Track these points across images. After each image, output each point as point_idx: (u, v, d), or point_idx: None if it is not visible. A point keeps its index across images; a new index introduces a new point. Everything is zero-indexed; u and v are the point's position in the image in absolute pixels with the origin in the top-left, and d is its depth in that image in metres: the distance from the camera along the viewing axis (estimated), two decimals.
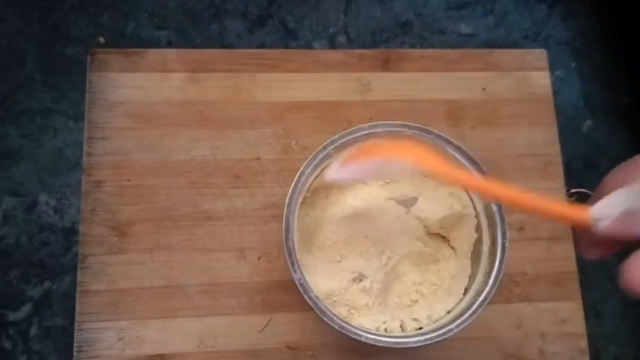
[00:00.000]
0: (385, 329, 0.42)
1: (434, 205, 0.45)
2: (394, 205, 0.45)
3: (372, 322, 0.42)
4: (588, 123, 0.56)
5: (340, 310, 0.42)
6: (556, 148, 0.52)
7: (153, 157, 0.48)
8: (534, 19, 0.59)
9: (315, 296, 0.38)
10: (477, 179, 0.38)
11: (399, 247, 0.44)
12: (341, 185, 0.45)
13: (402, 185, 0.46)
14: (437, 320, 0.42)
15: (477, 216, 0.44)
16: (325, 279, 0.42)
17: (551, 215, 0.30)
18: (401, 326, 0.43)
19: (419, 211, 0.45)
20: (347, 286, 0.42)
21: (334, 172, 0.38)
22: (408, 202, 0.45)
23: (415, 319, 0.43)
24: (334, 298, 0.42)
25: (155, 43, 0.53)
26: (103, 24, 0.53)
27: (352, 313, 0.42)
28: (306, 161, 0.41)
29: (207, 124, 0.49)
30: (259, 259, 0.47)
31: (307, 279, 0.39)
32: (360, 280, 0.42)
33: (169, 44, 0.53)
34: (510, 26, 0.58)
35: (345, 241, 0.44)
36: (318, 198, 0.45)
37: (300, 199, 0.42)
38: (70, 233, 0.48)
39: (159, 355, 0.44)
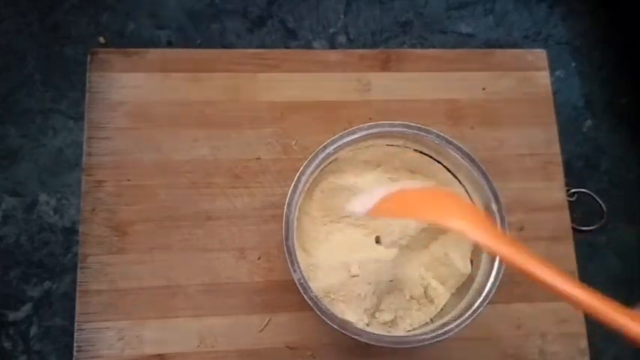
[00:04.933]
0: (382, 322, 0.42)
1: None
2: None
3: (367, 316, 0.42)
4: (588, 123, 0.56)
5: (340, 307, 0.42)
6: (556, 148, 0.52)
7: (153, 157, 0.48)
8: (534, 19, 0.59)
9: (315, 296, 0.38)
10: (527, 259, 0.32)
11: (398, 243, 0.44)
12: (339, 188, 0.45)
13: (402, 184, 0.46)
14: (429, 322, 0.42)
15: None
16: (324, 275, 0.42)
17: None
18: (393, 321, 0.43)
19: None
20: (344, 281, 0.42)
21: (361, 206, 0.37)
22: None
23: (409, 319, 0.43)
24: (332, 296, 0.42)
25: (155, 43, 0.53)
26: (103, 24, 0.53)
27: (348, 307, 0.42)
28: (306, 161, 0.41)
29: (207, 124, 0.49)
30: (259, 259, 0.47)
31: (308, 275, 0.39)
32: (358, 276, 0.42)
33: (169, 44, 0.53)
34: (510, 26, 0.58)
35: (343, 240, 0.44)
36: (317, 197, 0.45)
37: (301, 199, 0.42)
38: (70, 233, 0.48)
39: (159, 355, 0.44)
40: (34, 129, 0.50)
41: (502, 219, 0.41)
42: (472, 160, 0.42)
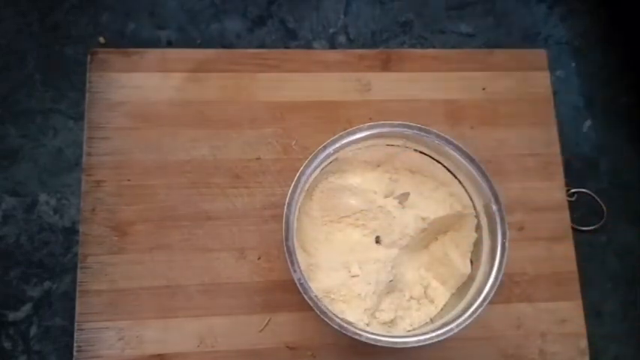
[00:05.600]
0: (381, 322, 0.42)
1: (434, 205, 0.45)
2: (392, 202, 0.45)
3: (366, 316, 0.42)
4: (588, 123, 0.56)
5: (341, 307, 0.42)
6: (556, 148, 0.52)
7: (153, 157, 0.48)
8: (534, 19, 0.58)
9: (315, 296, 0.38)
10: None
11: (398, 243, 0.44)
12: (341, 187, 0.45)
13: (402, 184, 0.46)
14: (429, 322, 0.42)
15: (476, 216, 0.44)
16: (325, 275, 0.43)
17: None
18: (392, 321, 0.43)
19: (419, 210, 0.45)
20: (344, 281, 0.42)
21: None
22: (401, 199, 0.45)
23: (409, 319, 0.43)
24: (332, 296, 0.42)
25: (155, 43, 0.53)
26: (103, 24, 0.53)
27: (348, 307, 0.42)
28: (306, 161, 0.41)
29: (207, 124, 0.49)
30: (259, 259, 0.47)
31: (308, 275, 0.39)
32: (358, 276, 0.43)
33: (169, 44, 0.53)
34: (510, 26, 0.58)
35: (343, 240, 0.44)
36: (317, 197, 0.45)
37: (301, 199, 0.42)
38: (70, 233, 0.48)
39: (159, 355, 0.44)
40: (34, 129, 0.50)
41: (502, 219, 0.41)
42: (472, 160, 0.42)
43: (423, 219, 0.44)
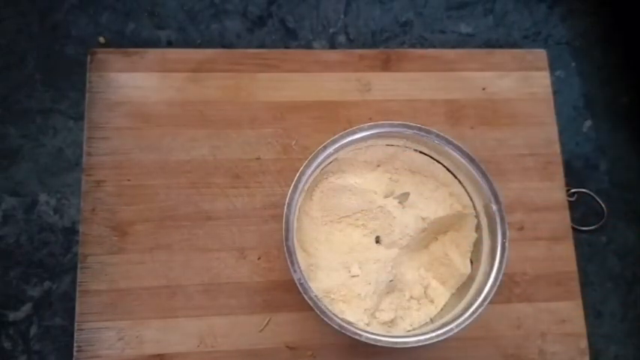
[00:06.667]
0: (381, 323, 0.42)
1: (434, 205, 0.45)
2: (392, 202, 0.45)
3: (366, 316, 0.42)
4: (588, 123, 0.56)
5: (341, 307, 0.42)
6: (556, 148, 0.52)
7: (153, 157, 0.48)
8: (534, 19, 0.58)
9: (315, 296, 0.39)
10: None
11: (398, 243, 0.44)
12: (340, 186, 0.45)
13: (402, 184, 0.46)
14: (429, 322, 0.42)
15: (476, 216, 0.44)
16: (325, 275, 0.43)
17: None
18: (392, 321, 0.43)
19: (419, 210, 0.45)
20: (344, 281, 0.42)
21: None
22: (401, 198, 0.45)
23: (409, 319, 0.43)
24: (332, 296, 0.42)
25: (155, 43, 0.53)
26: (103, 24, 0.53)
27: (348, 307, 0.42)
28: (306, 161, 0.41)
29: (207, 124, 0.49)
30: (259, 259, 0.47)
31: (308, 275, 0.39)
32: (358, 276, 0.43)
33: (169, 44, 0.53)
34: (510, 26, 0.58)
35: (343, 240, 0.44)
36: (317, 197, 0.45)
37: (301, 199, 0.42)
38: (70, 233, 0.48)
39: (159, 355, 0.44)
40: (34, 129, 0.50)
41: (502, 219, 0.41)
42: (472, 160, 0.42)
43: (423, 219, 0.44)
